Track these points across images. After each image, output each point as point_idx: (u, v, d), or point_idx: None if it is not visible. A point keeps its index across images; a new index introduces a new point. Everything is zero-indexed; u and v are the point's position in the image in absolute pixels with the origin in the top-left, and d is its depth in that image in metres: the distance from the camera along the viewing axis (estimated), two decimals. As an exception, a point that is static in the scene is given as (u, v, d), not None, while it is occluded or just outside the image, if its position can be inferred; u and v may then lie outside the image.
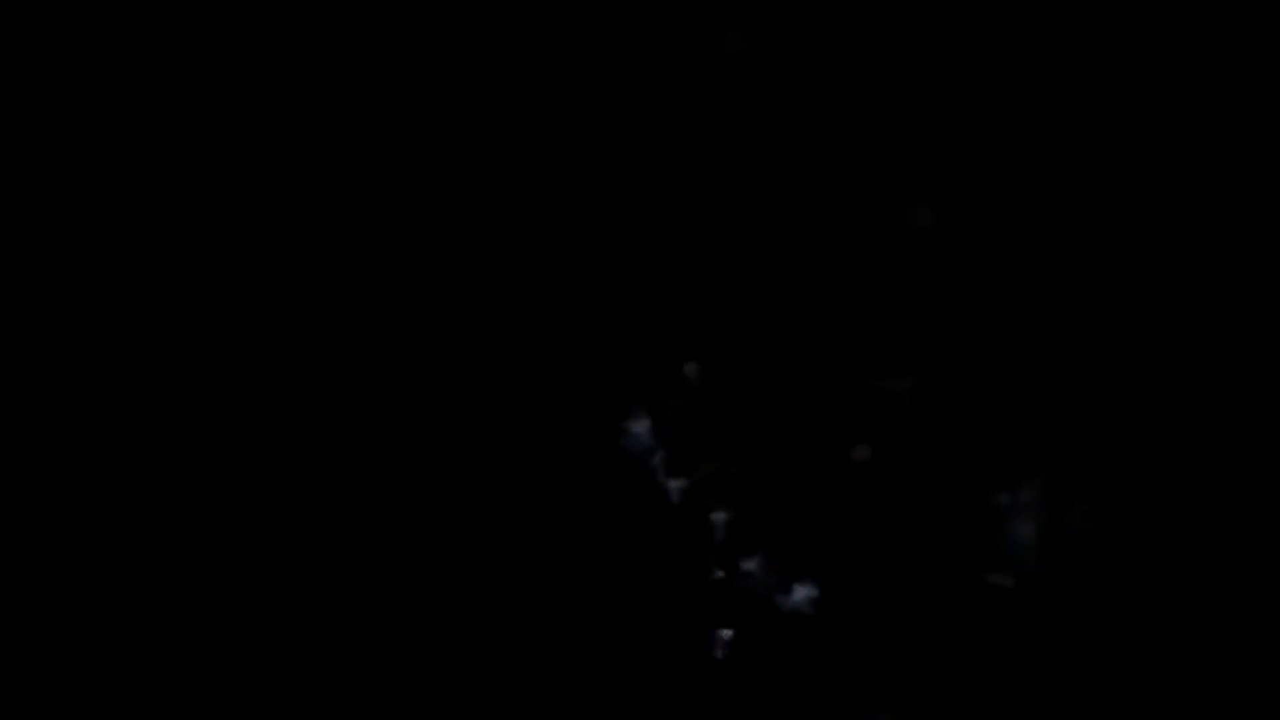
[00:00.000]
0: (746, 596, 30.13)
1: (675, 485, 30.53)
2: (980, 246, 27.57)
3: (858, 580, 28.05)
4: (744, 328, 30.45)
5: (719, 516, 32.07)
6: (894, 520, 29.06)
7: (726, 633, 29.69)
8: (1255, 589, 18.43)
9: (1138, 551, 25.88)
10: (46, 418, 20.28)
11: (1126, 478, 25.55)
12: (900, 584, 28.35)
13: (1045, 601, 26.63)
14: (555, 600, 23.25)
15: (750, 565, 30.45)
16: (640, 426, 30.81)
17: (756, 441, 31.45)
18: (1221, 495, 19.42)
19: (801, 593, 29.04)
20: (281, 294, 19.81)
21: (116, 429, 20.01)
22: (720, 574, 29.27)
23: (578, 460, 25.53)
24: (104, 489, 20.13)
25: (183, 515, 20.83)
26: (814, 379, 31.30)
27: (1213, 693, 19.13)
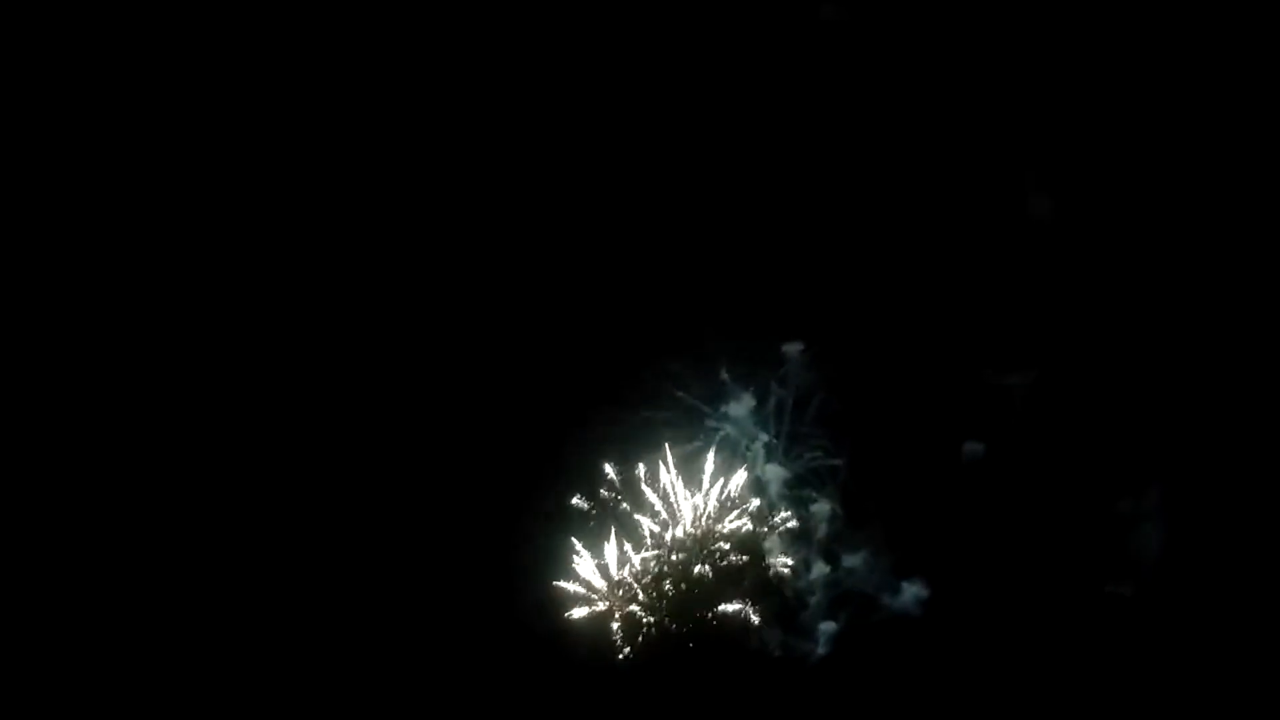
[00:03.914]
0: (851, 594, 28.33)
1: (775, 474, 29.19)
2: (1107, 239, 25.53)
3: (969, 584, 25.92)
4: (853, 312, 28.65)
5: (821, 509, 30.52)
6: (1008, 522, 26.96)
7: (829, 626, 28.16)
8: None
9: (1263, 564, 23.60)
10: (45, 418, 21.06)
11: (1257, 488, 23.27)
12: (1013, 590, 26.13)
13: (1165, 612, 24.31)
14: (649, 587, 23.01)
15: (854, 561, 28.86)
16: (741, 410, 29.42)
17: (862, 432, 29.70)
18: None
19: (910, 592, 27.12)
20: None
21: (115, 429, 20.73)
22: (825, 569, 27.69)
23: (672, 441, 24.99)
24: (102, 489, 20.85)
25: (179, 515, 21.49)
26: (925, 369, 29.31)
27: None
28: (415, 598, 53.01)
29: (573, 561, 53.30)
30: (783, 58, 56.67)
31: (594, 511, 53.87)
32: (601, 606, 52.67)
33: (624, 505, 54.19)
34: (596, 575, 53.29)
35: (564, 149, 57.88)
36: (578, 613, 52.55)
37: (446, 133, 58.39)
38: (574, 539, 53.38)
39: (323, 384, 55.73)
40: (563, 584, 52.83)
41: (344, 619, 53.09)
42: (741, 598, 52.28)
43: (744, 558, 53.04)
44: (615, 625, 52.72)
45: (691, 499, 52.50)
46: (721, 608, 51.96)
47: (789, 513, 51.49)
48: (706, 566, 53.14)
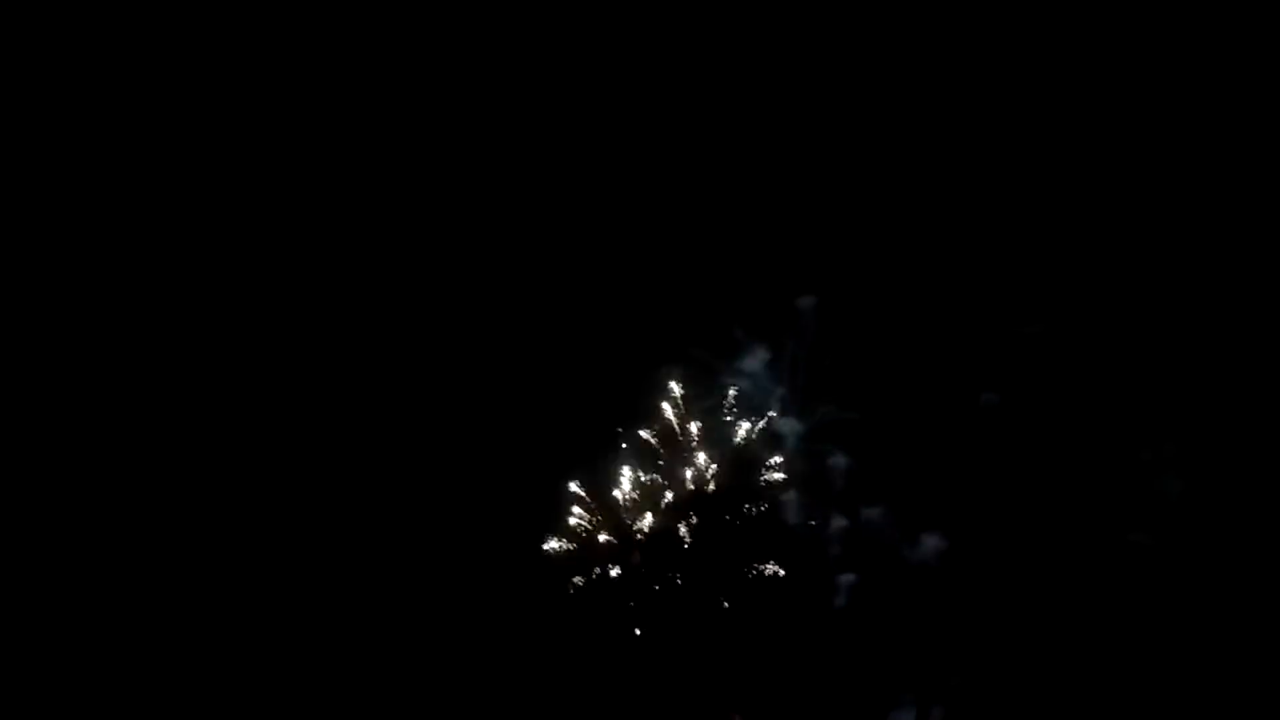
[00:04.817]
0: (870, 546, 28.42)
1: (792, 428, 29.21)
2: (1125, 189, 25.30)
3: (987, 535, 25.92)
4: (866, 264, 28.56)
5: (838, 462, 30.51)
6: (1025, 473, 26.86)
7: (848, 578, 28.31)
8: None
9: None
10: (46, 419, 21.09)
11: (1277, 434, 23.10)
12: (1031, 540, 26.13)
13: (1186, 562, 24.27)
14: (665, 543, 23.11)
15: (873, 514, 28.88)
16: (756, 365, 29.31)
17: (878, 384, 29.64)
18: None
19: (929, 544, 27.12)
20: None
21: (115, 430, 20.73)
22: (843, 522, 27.72)
23: (686, 400, 25.05)
24: (102, 490, 20.83)
25: (179, 516, 21.50)
26: (941, 320, 29.12)
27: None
28: (433, 571, 53.16)
29: (589, 523, 53.62)
30: (779, 36, 56.81)
31: (609, 470, 54.20)
32: (617, 571, 52.86)
33: (638, 464, 54.49)
34: (613, 534, 53.73)
35: (585, 122, 57.88)
36: (597, 573, 52.75)
37: (479, 119, 58.35)
38: (589, 499, 53.78)
39: (346, 366, 56.11)
40: (578, 547, 53.06)
41: (357, 595, 53.22)
42: (759, 552, 52.40)
43: (762, 512, 53.20)
44: (634, 584, 52.98)
45: (708, 455, 50.95)
46: (739, 563, 52.08)
47: (806, 467, 51.71)
48: (724, 522, 53.34)
